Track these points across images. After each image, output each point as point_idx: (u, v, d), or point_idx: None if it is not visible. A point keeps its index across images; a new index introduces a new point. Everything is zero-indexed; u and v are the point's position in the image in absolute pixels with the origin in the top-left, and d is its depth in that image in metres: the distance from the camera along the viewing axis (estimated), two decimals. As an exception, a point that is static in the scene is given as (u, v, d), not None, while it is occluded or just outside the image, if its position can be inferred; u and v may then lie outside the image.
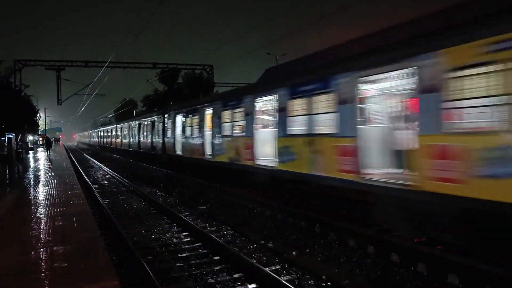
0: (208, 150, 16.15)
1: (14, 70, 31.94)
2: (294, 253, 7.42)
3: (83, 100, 44.77)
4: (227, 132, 14.41)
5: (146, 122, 28.80)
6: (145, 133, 29.13)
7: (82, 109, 51.43)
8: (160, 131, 23.92)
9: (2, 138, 26.08)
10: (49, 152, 37.78)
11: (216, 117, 15.21)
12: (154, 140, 25.96)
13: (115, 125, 46.33)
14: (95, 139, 71.45)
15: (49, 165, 24.24)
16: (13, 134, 26.98)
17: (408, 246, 6.91)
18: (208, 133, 16.19)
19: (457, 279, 5.76)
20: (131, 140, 34.65)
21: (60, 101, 35.04)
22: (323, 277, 6.09)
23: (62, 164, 25.39)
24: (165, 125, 22.84)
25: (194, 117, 18.03)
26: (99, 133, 63.56)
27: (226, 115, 14.50)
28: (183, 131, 19.55)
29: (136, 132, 32.21)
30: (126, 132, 37.29)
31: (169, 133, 22.06)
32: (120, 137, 41.40)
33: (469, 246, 6.47)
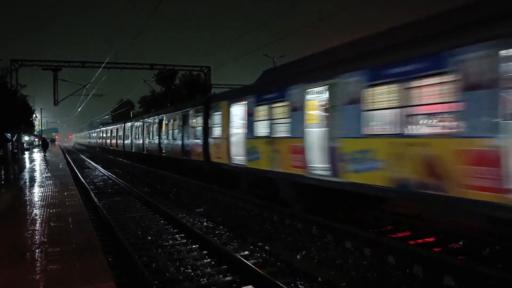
0: (319, 160, 9.62)
1: (11, 70, 31.79)
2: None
3: (79, 101, 44.81)
4: (391, 128, 7.32)
5: (172, 118, 21.97)
6: (170, 132, 22.09)
7: (79, 109, 51.53)
8: (199, 129, 17.26)
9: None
10: (45, 153, 37.56)
11: (344, 102, 8.42)
12: (186, 141, 19.07)
13: (122, 124, 38.25)
14: (95, 140, 63.20)
15: (46, 166, 24.13)
16: (9, 134, 26.87)
17: (405, 248, 6.93)
18: (315, 132, 10.04)
19: (453, 281, 5.78)
20: (147, 141, 27.69)
21: (56, 102, 34.94)
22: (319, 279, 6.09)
23: (58, 165, 25.29)
24: (210, 120, 16.18)
25: (274, 106, 11.21)
26: (101, 133, 54.35)
27: (380, 96, 7.54)
28: (249, 128, 12.62)
29: (155, 131, 25.42)
30: (140, 131, 30.14)
31: (216, 131, 15.36)
32: (129, 137, 33.76)
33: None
